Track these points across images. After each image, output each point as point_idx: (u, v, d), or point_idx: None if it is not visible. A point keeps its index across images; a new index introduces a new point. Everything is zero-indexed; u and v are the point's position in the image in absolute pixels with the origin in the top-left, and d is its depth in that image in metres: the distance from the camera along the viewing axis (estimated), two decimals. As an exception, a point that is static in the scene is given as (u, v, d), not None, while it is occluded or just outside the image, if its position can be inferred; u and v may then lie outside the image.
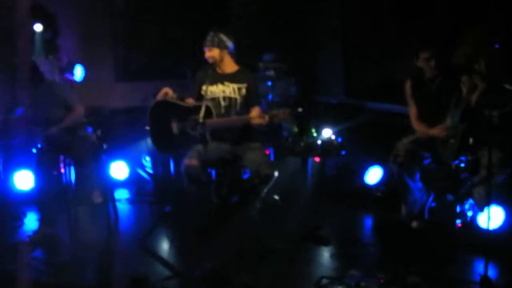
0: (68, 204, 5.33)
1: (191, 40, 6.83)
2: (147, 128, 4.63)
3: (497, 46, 3.76)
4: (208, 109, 4.33)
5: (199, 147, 4.36)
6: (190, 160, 4.35)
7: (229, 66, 4.69)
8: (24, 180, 5.67)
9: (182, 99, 4.71)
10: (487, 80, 4.04)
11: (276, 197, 5.01)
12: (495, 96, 4.05)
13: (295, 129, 6.55)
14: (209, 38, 4.62)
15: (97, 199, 5.53)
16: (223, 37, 4.62)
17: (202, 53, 4.69)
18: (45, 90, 5.18)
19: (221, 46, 4.62)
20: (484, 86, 4.10)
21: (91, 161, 5.32)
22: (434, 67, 4.54)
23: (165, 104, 4.65)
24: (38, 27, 6.13)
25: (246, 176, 4.68)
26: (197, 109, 4.38)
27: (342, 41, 7.51)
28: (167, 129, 4.54)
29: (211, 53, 4.62)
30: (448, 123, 4.37)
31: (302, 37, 7.41)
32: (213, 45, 4.60)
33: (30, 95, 5.25)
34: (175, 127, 4.53)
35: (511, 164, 4.28)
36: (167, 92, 4.70)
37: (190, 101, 4.69)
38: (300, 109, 4.17)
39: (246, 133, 4.53)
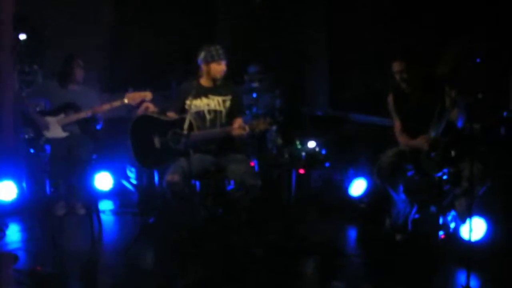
0: (52, 215, 5.32)
1: (176, 52, 6.88)
2: (129, 142, 4.60)
3: (478, 60, 3.81)
4: (191, 122, 4.33)
5: (182, 160, 4.34)
6: (173, 176, 4.33)
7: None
8: (6, 190, 5.62)
9: (163, 112, 4.71)
10: (468, 94, 4.09)
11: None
12: (476, 110, 4.10)
13: (280, 141, 6.57)
14: (221, 51, 4.59)
15: (81, 210, 5.51)
16: None
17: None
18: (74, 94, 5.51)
19: (227, 58, 4.64)
20: (464, 100, 4.15)
21: (88, 166, 5.34)
22: (407, 80, 4.58)
23: (146, 118, 4.65)
24: (21, 36, 6.10)
25: (230, 187, 4.68)
26: (178, 122, 4.38)
27: (327, 54, 7.57)
28: (149, 143, 4.51)
29: (224, 66, 4.63)
30: (431, 135, 4.41)
31: (288, 50, 7.45)
32: (225, 58, 4.61)
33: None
34: (157, 141, 4.51)
35: (492, 176, 4.33)
36: (147, 106, 4.73)
37: (171, 115, 4.68)
38: (280, 119, 4.26)
39: (229, 144, 4.55)
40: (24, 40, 6.20)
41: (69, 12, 6.82)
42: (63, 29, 6.76)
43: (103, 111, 5.38)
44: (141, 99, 5.01)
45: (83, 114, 5.39)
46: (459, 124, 4.26)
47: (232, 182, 4.57)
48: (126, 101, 5.05)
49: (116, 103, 5.24)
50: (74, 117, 5.41)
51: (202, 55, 4.59)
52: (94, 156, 5.46)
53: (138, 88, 6.26)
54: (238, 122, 4.51)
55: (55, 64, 6.32)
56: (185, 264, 4.09)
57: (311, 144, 6.55)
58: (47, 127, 5.35)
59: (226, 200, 4.71)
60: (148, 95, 4.99)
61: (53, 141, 5.36)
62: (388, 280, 3.92)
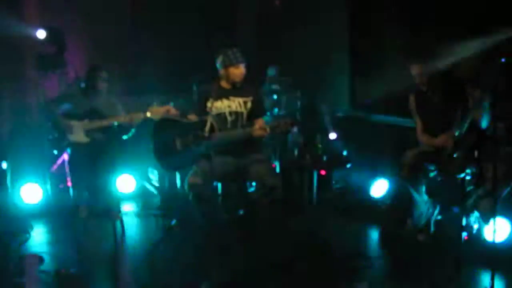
0: (76, 217, 5.37)
1: (198, 55, 6.90)
2: (151, 145, 4.63)
3: (503, 60, 3.75)
4: (212, 124, 4.34)
5: (203, 163, 4.36)
6: (194, 178, 4.35)
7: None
8: (31, 193, 5.70)
9: (184, 115, 4.74)
10: (493, 93, 4.05)
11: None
12: (500, 109, 4.06)
13: (301, 142, 6.56)
14: (238, 55, 4.58)
15: (104, 213, 5.54)
16: None
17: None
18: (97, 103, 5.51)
19: (245, 61, 4.66)
20: (489, 100, 4.10)
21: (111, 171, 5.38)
22: (426, 83, 4.55)
23: (167, 121, 4.68)
24: (41, 34, 6.13)
25: (251, 189, 4.69)
26: (200, 125, 4.40)
27: (349, 54, 7.55)
28: (170, 146, 4.54)
29: (243, 70, 4.63)
30: (455, 135, 4.37)
31: (309, 51, 7.45)
32: (243, 62, 4.61)
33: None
34: (178, 143, 4.53)
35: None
36: (168, 109, 4.75)
37: (193, 117, 4.70)
38: (301, 120, 4.25)
39: (250, 145, 4.55)
40: (46, 43, 6.26)
41: (93, 16, 6.89)
42: (87, 33, 6.84)
43: (125, 121, 5.38)
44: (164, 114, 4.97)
45: (106, 122, 5.41)
46: (484, 124, 4.22)
47: (253, 183, 4.58)
48: (148, 114, 5.04)
49: (139, 116, 5.23)
50: (98, 123, 5.42)
51: (220, 59, 4.60)
52: (117, 162, 5.47)
53: (162, 91, 6.31)
54: (259, 123, 4.52)
55: (77, 69, 6.41)
56: (207, 267, 4.11)
57: (332, 136, 6.56)
58: (70, 130, 5.39)
59: (248, 201, 4.72)
60: (171, 109, 4.91)
61: (75, 145, 5.39)
62: (410, 281, 3.90)
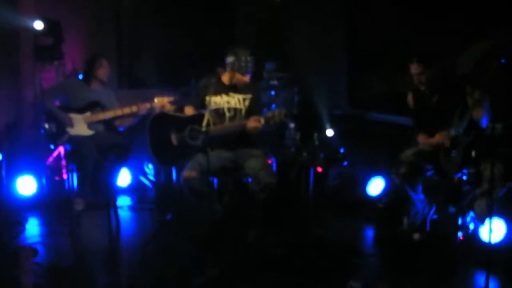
0: (71, 210, 5.35)
1: (195, 49, 6.89)
2: (147, 140, 4.60)
3: (503, 61, 3.74)
4: (208, 119, 4.32)
5: (200, 157, 4.35)
6: (190, 172, 4.34)
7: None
8: (26, 185, 5.68)
9: (180, 109, 4.72)
10: (491, 93, 4.05)
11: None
12: (498, 109, 4.06)
13: (298, 139, 6.55)
14: (250, 64, 4.54)
15: (99, 206, 5.52)
16: None
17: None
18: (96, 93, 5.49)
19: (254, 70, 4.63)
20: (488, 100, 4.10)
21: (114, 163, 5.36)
22: (425, 82, 4.54)
23: (163, 116, 4.66)
24: (38, 25, 6.10)
25: (247, 184, 4.68)
26: (196, 119, 4.38)
27: (346, 52, 7.55)
28: (166, 141, 4.52)
29: (248, 79, 4.61)
30: (452, 133, 4.37)
31: (307, 47, 7.44)
32: (252, 72, 4.60)
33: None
34: (174, 138, 4.52)
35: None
36: (164, 105, 4.74)
37: (189, 110, 4.68)
38: (295, 111, 4.26)
39: (246, 140, 4.53)
40: (43, 35, 6.22)
41: (90, 8, 6.86)
42: (85, 25, 6.81)
43: (132, 111, 5.35)
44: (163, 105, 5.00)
45: (111, 113, 5.38)
46: (484, 123, 4.21)
47: (249, 179, 4.56)
48: (154, 103, 5.04)
49: (146, 105, 5.22)
50: (101, 115, 5.39)
51: (231, 59, 4.53)
52: (119, 153, 5.44)
53: (159, 85, 6.30)
54: (254, 117, 4.50)
55: (75, 62, 6.39)
56: (202, 261, 4.10)
57: (329, 133, 6.56)
58: (71, 124, 5.34)
59: (243, 196, 4.71)
60: (166, 104, 4.99)
61: (78, 138, 5.34)
62: (405, 280, 3.90)
